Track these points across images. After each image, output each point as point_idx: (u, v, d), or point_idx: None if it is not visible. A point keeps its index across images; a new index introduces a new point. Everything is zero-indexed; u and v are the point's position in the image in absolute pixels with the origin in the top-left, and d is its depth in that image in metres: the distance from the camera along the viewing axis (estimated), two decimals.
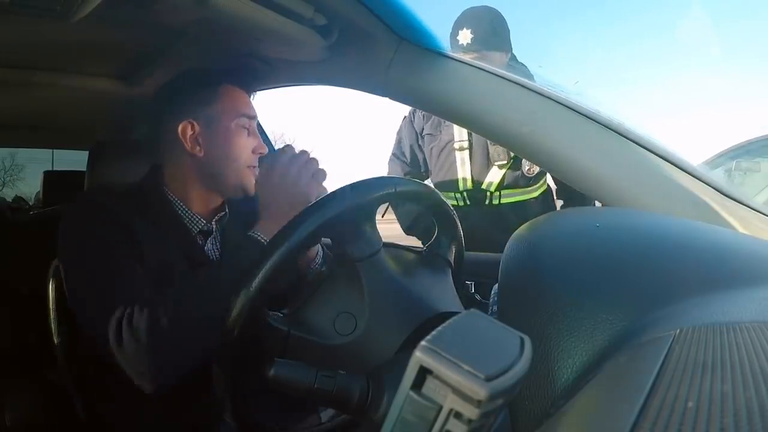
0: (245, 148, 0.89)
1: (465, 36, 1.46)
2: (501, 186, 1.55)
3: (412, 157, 1.72)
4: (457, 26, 1.49)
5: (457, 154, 1.59)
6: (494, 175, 1.55)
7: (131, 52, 1.09)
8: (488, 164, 1.56)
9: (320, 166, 0.82)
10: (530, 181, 1.55)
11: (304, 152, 0.83)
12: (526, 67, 1.58)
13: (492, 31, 1.48)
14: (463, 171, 1.58)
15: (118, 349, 0.70)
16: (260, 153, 0.91)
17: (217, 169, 0.87)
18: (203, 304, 0.71)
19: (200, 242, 0.90)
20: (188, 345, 0.71)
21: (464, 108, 0.80)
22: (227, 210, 0.94)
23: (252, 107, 0.92)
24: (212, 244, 0.91)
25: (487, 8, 1.53)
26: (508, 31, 1.54)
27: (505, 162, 1.52)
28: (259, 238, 0.78)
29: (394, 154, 1.75)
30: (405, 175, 1.71)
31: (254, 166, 0.90)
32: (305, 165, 0.81)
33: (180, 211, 0.88)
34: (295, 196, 0.79)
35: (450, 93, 0.80)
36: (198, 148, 0.86)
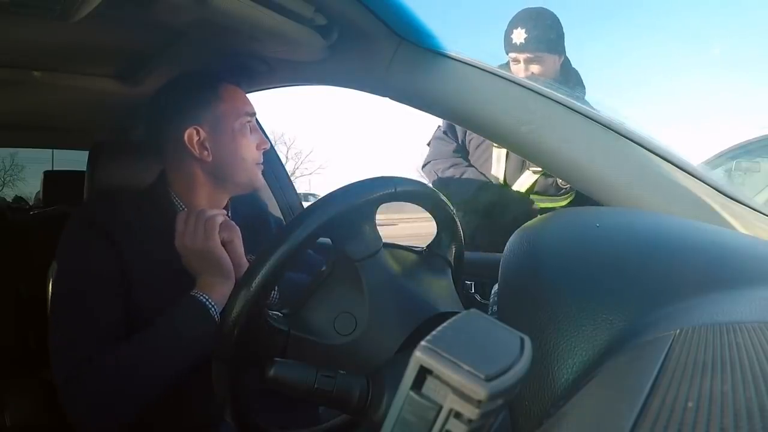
0: (251, 146, 0.90)
1: (519, 35, 1.44)
2: (531, 191, 1.52)
3: (463, 140, 1.65)
4: (512, 25, 1.47)
5: (495, 150, 1.55)
6: (526, 179, 1.52)
7: (131, 52, 1.09)
8: (522, 167, 1.53)
9: (208, 215, 0.82)
10: (561, 191, 1.52)
11: (194, 212, 0.83)
12: (578, 73, 1.57)
13: (547, 33, 1.46)
14: (498, 168, 1.55)
15: (63, 391, 0.74)
16: (264, 149, 0.92)
17: (227, 170, 0.88)
18: (142, 366, 0.74)
19: None
20: (125, 404, 0.74)
21: (464, 108, 0.80)
22: (230, 213, 0.94)
23: (251, 104, 0.93)
24: None
25: (544, 9, 1.51)
26: (563, 34, 1.51)
27: (540, 169, 1.47)
28: (198, 296, 0.79)
29: (444, 132, 1.66)
30: (454, 153, 1.63)
31: (260, 162, 0.92)
32: (195, 223, 0.81)
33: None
34: (203, 254, 0.80)
35: (450, 93, 0.80)
36: (206, 152, 0.86)
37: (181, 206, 0.88)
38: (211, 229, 0.81)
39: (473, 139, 1.60)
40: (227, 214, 0.93)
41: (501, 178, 1.54)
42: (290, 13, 0.76)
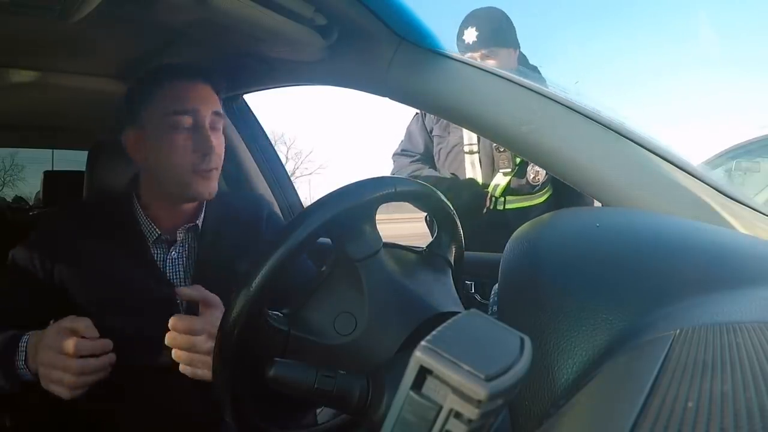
0: (183, 149, 0.80)
1: (470, 35, 1.50)
2: (506, 192, 1.57)
3: (426, 151, 1.71)
4: (463, 26, 1.53)
5: (467, 157, 1.60)
6: (499, 181, 1.57)
7: (131, 52, 1.09)
8: (493, 170, 1.57)
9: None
10: (535, 188, 1.57)
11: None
12: (536, 68, 1.59)
13: (497, 29, 1.51)
14: (474, 173, 1.60)
15: None
16: (205, 152, 0.80)
17: (162, 177, 0.82)
18: None
19: (158, 251, 0.87)
20: None
21: (464, 108, 0.80)
22: (200, 221, 0.90)
23: (195, 100, 0.81)
24: (177, 253, 0.88)
25: (491, 8, 1.56)
26: (514, 28, 1.56)
27: (510, 170, 1.54)
28: (23, 341, 0.73)
29: (403, 150, 1.74)
30: (411, 163, 1.71)
31: (205, 169, 0.81)
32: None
33: (142, 224, 0.86)
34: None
35: (450, 93, 0.80)
36: (142, 155, 0.82)
37: (140, 213, 0.86)
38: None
39: (442, 148, 1.67)
40: (196, 223, 0.88)
41: (480, 181, 1.59)
42: (290, 13, 0.76)
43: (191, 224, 0.88)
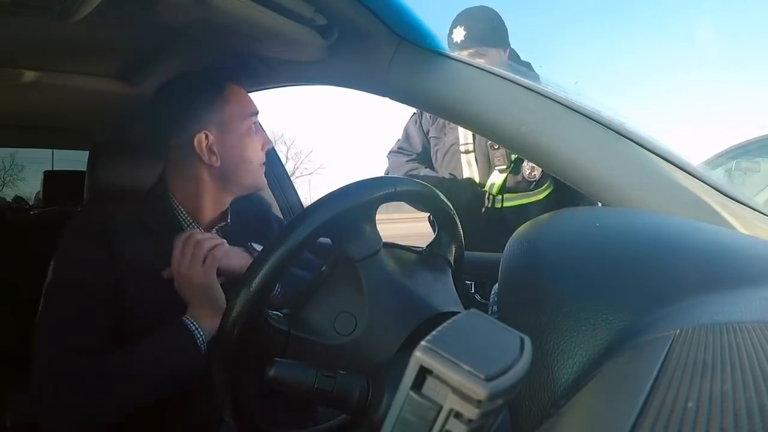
0: (257, 147, 0.89)
1: (459, 34, 1.49)
2: (502, 189, 1.56)
3: (423, 152, 1.72)
4: (453, 26, 1.52)
5: (463, 156, 1.60)
6: (495, 179, 1.56)
7: (131, 52, 1.09)
8: (489, 168, 1.57)
9: (209, 245, 0.79)
10: (532, 185, 1.56)
11: (192, 236, 0.80)
12: (529, 64, 1.59)
13: (486, 29, 1.50)
14: (471, 172, 1.60)
15: (37, 394, 0.71)
16: (268, 148, 0.91)
17: (234, 174, 0.87)
18: (119, 384, 0.72)
19: None
20: (95, 419, 0.72)
21: (464, 108, 0.80)
22: (229, 219, 0.93)
23: (254, 103, 0.91)
24: None
25: (483, 7, 1.56)
26: (506, 28, 1.55)
27: (505, 167, 1.54)
28: (188, 324, 0.77)
29: (400, 148, 1.74)
30: (407, 162, 1.70)
31: (264, 163, 0.91)
32: (193, 253, 0.78)
33: (183, 222, 0.87)
34: (198, 287, 0.78)
35: (450, 93, 0.80)
36: (215, 157, 0.84)
37: (181, 211, 0.87)
38: (210, 265, 0.78)
39: (439, 149, 1.66)
40: (227, 222, 0.92)
41: (477, 180, 1.58)
42: (290, 13, 0.76)
43: (224, 223, 0.91)
